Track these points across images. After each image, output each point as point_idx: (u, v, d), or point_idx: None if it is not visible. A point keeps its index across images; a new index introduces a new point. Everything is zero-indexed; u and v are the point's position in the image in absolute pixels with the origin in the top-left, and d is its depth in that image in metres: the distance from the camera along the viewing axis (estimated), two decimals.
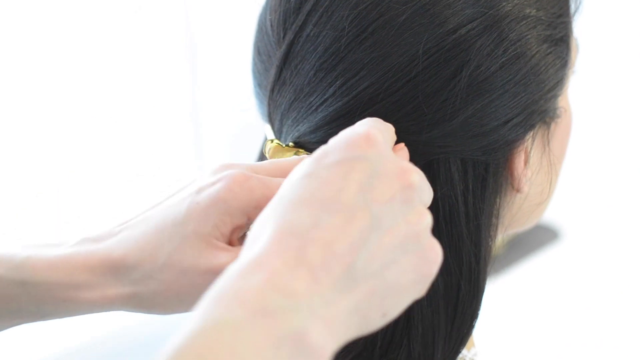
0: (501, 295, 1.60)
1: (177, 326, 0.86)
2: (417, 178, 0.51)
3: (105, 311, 0.54)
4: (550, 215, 1.77)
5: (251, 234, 0.48)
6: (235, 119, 1.59)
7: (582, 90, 0.73)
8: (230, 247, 0.53)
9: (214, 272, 0.52)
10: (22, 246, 0.55)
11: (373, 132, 0.51)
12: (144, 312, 0.54)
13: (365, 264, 0.46)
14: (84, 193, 1.43)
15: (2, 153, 1.33)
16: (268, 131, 0.67)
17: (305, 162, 0.50)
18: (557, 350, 1.50)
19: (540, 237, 1.74)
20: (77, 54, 1.39)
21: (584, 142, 1.77)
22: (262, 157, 0.75)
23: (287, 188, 0.49)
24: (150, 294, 0.53)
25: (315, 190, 0.48)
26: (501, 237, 0.69)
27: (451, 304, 0.62)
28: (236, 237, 0.54)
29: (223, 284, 0.44)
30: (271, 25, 0.64)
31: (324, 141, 0.60)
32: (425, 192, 0.52)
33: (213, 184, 0.54)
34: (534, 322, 1.55)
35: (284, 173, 0.56)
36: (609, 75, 1.74)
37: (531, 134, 0.63)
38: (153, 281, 0.52)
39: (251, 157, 1.74)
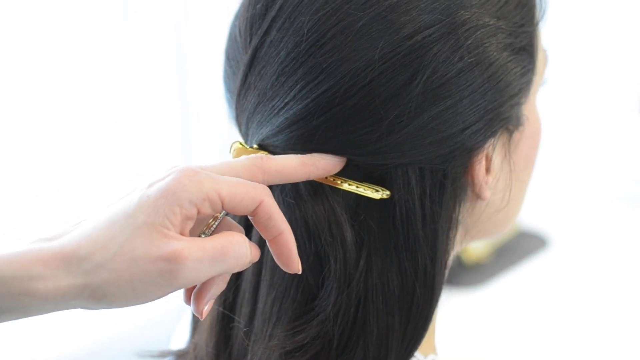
0: (490, 303, 1.61)
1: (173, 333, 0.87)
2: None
3: (62, 308, 0.55)
4: (539, 223, 1.78)
5: None
6: (226, 122, 1.60)
7: (569, 98, 0.74)
8: (181, 236, 0.55)
9: (165, 259, 0.54)
10: None
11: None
12: (100, 306, 0.55)
13: None
14: (83, 193, 1.44)
15: (2, 153, 1.34)
16: (237, 136, 0.69)
17: None
18: (547, 358, 1.50)
19: (529, 245, 1.75)
20: (77, 56, 1.39)
21: (571, 150, 1.79)
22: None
23: None
24: (102, 283, 0.54)
25: None
26: (477, 244, 0.70)
27: (406, 306, 0.63)
28: (187, 228, 0.56)
29: None
30: (239, 32, 0.66)
31: (286, 145, 0.62)
32: None
33: (163, 178, 0.56)
34: (523, 330, 1.56)
35: (232, 172, 0.59)
36: (594, 83, 1.75)
37: (492, 141, 0.64)
38: (105, 270, 0.54)
39: None
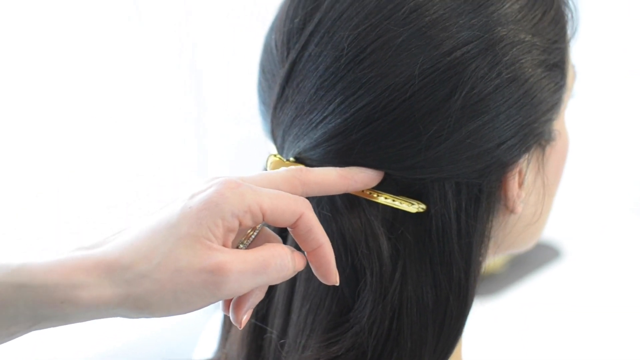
0: (503, 313, 1.61)
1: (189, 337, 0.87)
2: None
3: (102, 317, 0.55)
4: (552, 233, 1.79)
5: None
6: (238, 129, 1.61)
7: (582, 109, 0.75)
8: (223, 248, 0.55)
9: (209, 271, 0.54)
10: (16, 255, 0.56)
11: None
12: (141, 315, 0.55)
13: None
14: (83, 193, 1.43)
15: (2, 153, 1.34)
16: (271, 148, 0.69)
17: None
18: None
19: (542, 255, 1.75)
20: (80, 57, 1.39)
21: (585, 160, 1.79)
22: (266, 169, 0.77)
23: None
24: (145, 293, 0.54)
25: None
26: (499, 257, 0.71)
27: (439, 318, 0.64)
28: (229, 240, 0.56)
29: None
30: (275, 45, 0.67)
31: (323, 158, 0.63)
32: None
33: (205, 189, 0.56)
34: (536, 340, 1.56)
35: (272, 184, 0.59)
36: (608, 96, 1.75)
37: (526, 156, 0.65)
38: (148, 280, 0.54)
39: (253, 168, 1.74)
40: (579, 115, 0.71)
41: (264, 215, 0.57)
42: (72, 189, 1.42)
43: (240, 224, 0.56)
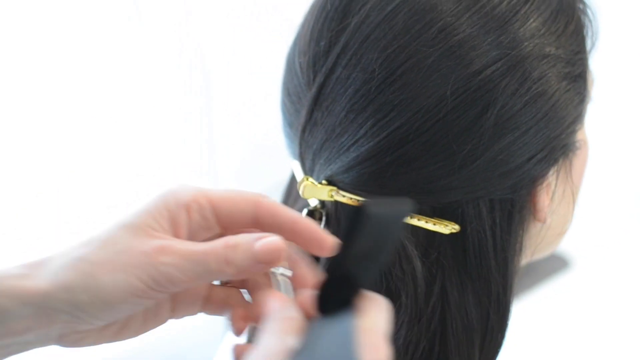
0: (511, 323, 1.61)
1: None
2: None
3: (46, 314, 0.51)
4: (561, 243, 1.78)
5: None
6: (247, 142, 1.60)
7: (594, 117, 0.75)
8: (166, 235, 0.53)
9: (147, 253, 0.51)
10: None
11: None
12: (77, 311, 0.52)
13: None
14: (84, 193, 1.43)
15: (2, 153, 1.34)
16: (296, 168, 0.69)
17: None
18: None
19: (550, 265, 1.75)
20: (80, 57, 1.39)
21: (593, 170, 1.79)
22: (288, 193, 0.77)
23: None
24: (82, 276, 0.51)
25: None
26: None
27: (482, 335, 0.64)
28: (181, 233, 0.54)
29: None
30: (300, 68, 0.66)
31: (356, 181, 0.63)
32: None
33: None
34: (544, 350, 1.56)
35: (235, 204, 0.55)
36: (617, 104, 1.76)
37: (555, 168, 0.65)
38: (85, 263, 0.51)
39: (262, 179, 1.74)
40: (590, 123, 0.72)
41: (214, 207, 0.54)
42: (72, 189, 1.42)
43: (189, 215, 0.54)
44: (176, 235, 0.54)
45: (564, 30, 0.64)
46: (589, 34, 0.68)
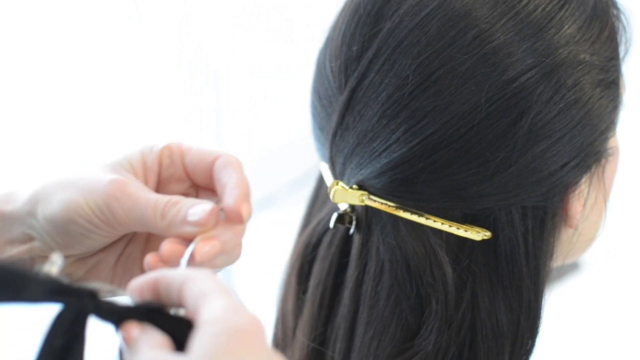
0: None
1: None
2: None
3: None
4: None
5: None
6: (261, 148, 1.61)
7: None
8: (131, 176, 0.57)
9: (111, 180, 0.54)
10: None
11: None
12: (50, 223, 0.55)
13: None
14: None
15: (5, 154, 1.34)
16: (325, 171, 0.69)
17: None
18: None
19: (561, 268, 1.75)
20: (85, 59, 1.40)
21: None
22: (316, 195, 0.77)
23: None
24: (53, 195, 0.55)
25: None
26: None
27: (513, 342, 0.64)
28: (151, 180, 0.58)
29: None
30: (332, 72, 0.66)
31: (387, 187, 0.63)
32: None
33: None
34: (554, 353, 1.56)
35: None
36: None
37: (588, 175, 0.65)
38: (52, 185, 0.56)
39: (274, 181, 1.73)
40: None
41: (182, 155, 0.58)
42: None
43: (159, 160, 0.58)
44: (145, 181, 0.57)
45: (598, 36, 0.64)
46: (623, 40, 0.68)
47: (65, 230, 0.55)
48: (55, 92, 1.38)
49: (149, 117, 1.51)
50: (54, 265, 0.49)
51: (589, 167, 0.65)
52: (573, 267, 1.76)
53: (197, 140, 1.59)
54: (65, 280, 0.48)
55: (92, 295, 0.48)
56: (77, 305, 0.48)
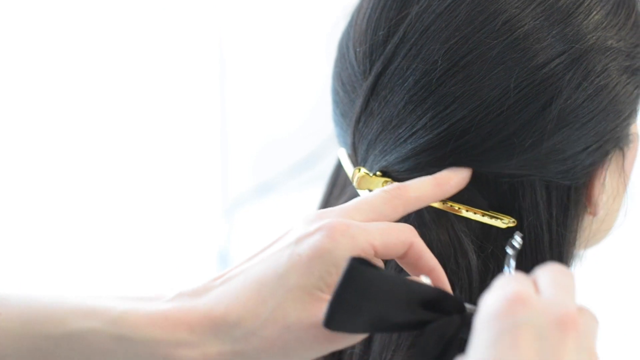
0: None
1: None
2: (582, 321, 0.47)
3: None
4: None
5: None
6: (261, 134, 1.60)
7: None
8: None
9: (319, 326, 0.51)
10: (116, 298, 0.53)
11: (521, 291, 0.47)
12: None
13: None
14: (83, 193, 1.43)
15: (6, 154, 1.34)
16: (344, 157, 0.68)
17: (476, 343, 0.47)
18: None
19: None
20: (92, 54, 1.39)
21: None
22: (333, 182, 0.76)
23: None
24: (253, 351, 0.52)
25: None
26: None
27: None
28: None
29: None
30: (356, 57, 0.66)
31: (412, 170, 0.62)
32: (592, 330, 0.48)
33: (312, 233, 0.53)
34: None
35: (375, 211, 0.57)
36: None
37: (609, 159, 0.65)
38: (256, 338, 0.51)
39: (275, 171, 1.73)
40: None
41: (375, 253, 0.55)
42: (72, 189, 1.42)
43: None
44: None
45: (625, 23, 0.64)
46: None
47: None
48: (52, 87, 1.37)
49: (152, 105, 1.51)
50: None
51: (607, 152, 0.65)
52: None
53: (199, 127, 1.58)
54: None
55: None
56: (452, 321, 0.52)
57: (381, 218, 0.57)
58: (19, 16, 1.29)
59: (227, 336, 0.51)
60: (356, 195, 0.68)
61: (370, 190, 0.66)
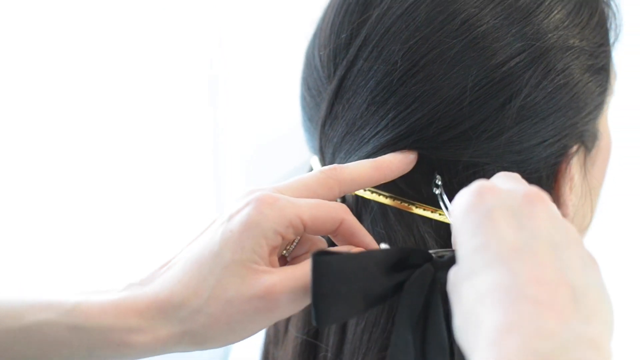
0: None
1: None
2: (539, 190, 0.51)
3: (160, 353, 0.55)
4: None
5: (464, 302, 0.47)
6: (254, 140, 1.60)
7: (611, 110, 0.76)
8: (271, 269, 0.54)
9: (259, 297, 0.53)
10: (72, 292, 0.56)
11: (484, 183, 0.51)
12: (198, 349, 0.55)
13: (575, 277, 0.47)
14: (83, 193, 1.43)
15: (8, 154, 1.34)
16: (316, 163, 0.68)
17: (458, 230, 0.50)
18: None
19: None
20: (86, 54, 1.39)
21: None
22: None
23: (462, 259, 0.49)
24: (201, 328, 0.53)
25: (489, 249, 0.48)
26: None
27: None
28: (275, 258, 0.56)
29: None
30: (320, 61, 0.66)
31: None
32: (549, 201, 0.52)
33: (242, 209, 0.55)
34: None
35: (308, 190, 0.58)
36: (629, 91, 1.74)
37: (571, 154, 0.65)
38: (201, 316, 0.53)
39: (268, 176, 1.73)
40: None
41: (305, 227, 0.56)
42: (73, 189, 1.42)
43: (282, 239, 0.55)
44: (271, 260, 0.55)
45: (587, 22, 0.64)
46: (613, 26, 0.68)
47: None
48: (61, 91, 1.38)
49: (145, 109, 1.51)
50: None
51: (567, 147, 0.65)
52: None
53: (194, 132, 1.58)
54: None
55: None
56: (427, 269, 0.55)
57: (314, 197, 0.58)
58: (16, 14, 1.30)
59: (175, 318, 0.53)
60: None
61: None
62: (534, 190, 0.51)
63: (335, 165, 0.60)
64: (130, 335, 0.53)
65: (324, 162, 0.67)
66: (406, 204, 0.63)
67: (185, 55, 1.53)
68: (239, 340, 0.56)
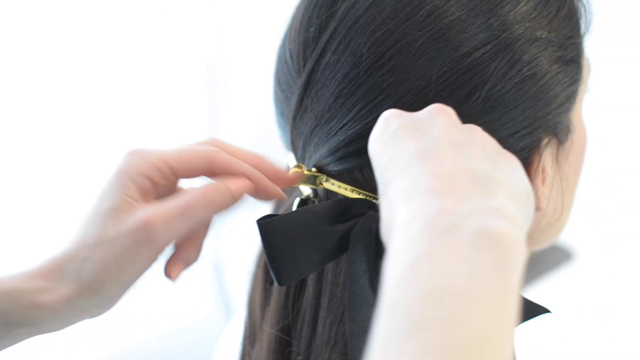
0: None
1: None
2: (441, 105, 0.56)
3: (70, 315, 0.59)
4: (563, 235, 1.77)
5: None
6: (254, 126, 1.60)
7: (597, 108, 0.75)
8: (144, 205, 0.59)
9: (136, 230, 0.57)
10: None
11: (393, 110, 0.57)
12: (101, 303, 0.59)
13: (478, 165, 0.50)
14: (85, 194, 1.44)
15: (8, 154, 1.35)
16: (291, 159, 0.68)
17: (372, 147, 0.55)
18: None
19: (554, 258, 1.74)
20: (86, 54, 1.40)
21: (597, 162, 1.78)
22: None
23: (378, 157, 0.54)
24: (94, 274, 0.57)
25: (395, 162, 0.52)
26: None
27: None
28: (151, 198, 0.60)
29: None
30: (290, 56, 0.66)
31: (341, 160, 0.63)
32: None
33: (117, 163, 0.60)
34: (546, 343, 1.55)
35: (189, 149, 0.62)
36: (624, 94, 1.74)
37: (544, 146, 0.65)
38: (92, 262, 0.57)
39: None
40: (593, 114, 0.71)
41: (172, 169, 0.60)
42: (73, 189, 1.42)
43: (153, 182, 0.60)
44: (146, 200, 0.60)
45: (556, 14, 0.64)
46: (583, 18, 0.68)
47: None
48: (62, 92, 1.38)
49: (141, 107, 1.51)
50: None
51: (539, 139, 0.64)
52: (566, 256, 1.75)
53: (189, 130, 1.59)
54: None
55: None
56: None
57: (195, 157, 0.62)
58: (14, 14, 1.31)
59: (70, 272, 0.58)
60: (301, 194, 0.68)
61: (309, 188, 0.66)
62: (436, 105, 0.55)
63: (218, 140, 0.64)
64: (37, 295, 0.57)
65: (296, 156, 0.67)
66: (372, 198, 0.63)
67: (184, 55, 1.53)
68: (134, 281, 0.59)
